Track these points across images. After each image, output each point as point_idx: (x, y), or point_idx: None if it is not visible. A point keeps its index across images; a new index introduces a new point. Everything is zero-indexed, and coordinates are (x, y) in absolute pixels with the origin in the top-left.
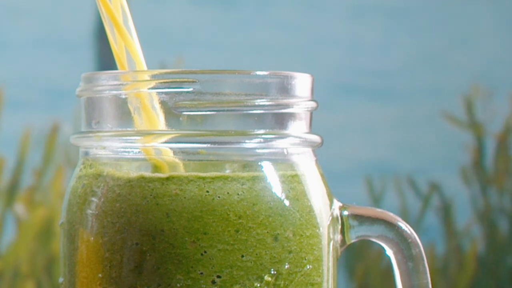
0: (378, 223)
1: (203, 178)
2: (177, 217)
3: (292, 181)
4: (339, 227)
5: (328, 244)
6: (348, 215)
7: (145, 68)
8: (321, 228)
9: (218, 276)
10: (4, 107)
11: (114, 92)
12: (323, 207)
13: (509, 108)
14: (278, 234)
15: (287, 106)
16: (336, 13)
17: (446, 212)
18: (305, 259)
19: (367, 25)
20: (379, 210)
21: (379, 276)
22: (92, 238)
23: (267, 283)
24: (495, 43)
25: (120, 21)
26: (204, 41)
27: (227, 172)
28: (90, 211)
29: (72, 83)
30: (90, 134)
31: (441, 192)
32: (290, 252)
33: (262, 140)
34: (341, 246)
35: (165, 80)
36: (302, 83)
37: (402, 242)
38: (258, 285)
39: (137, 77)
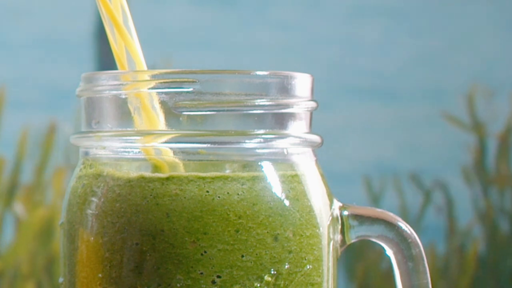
0: (378, 223)
1: (203, 178)
2: (177, 217)
3: (292, 181)
4: (339, 227)
5: (328, 244)
6: (348, 215)
7: (145, 68)
8: (321, 228)
9: (218, 276)
10: (5, 107)
11: (114, 92)
12: (323, 207)
13: (510, 108)
14: (278, 234)
15: (287, 106)
16: (336, 13)
17: (448, 211)
18: (305, 259)
19: (367, 25)
20: (379, 210)
21: (379, 276)
22: (92, 238)
23: (267, 283)
24: (495, 43)
25: (120, 21)
26: (204, 41)
27: (227, 172)
28: (90, 211)
29: (72, 83)
30: (90, 134)
31: (444, 190)
32: (290, 252)
33: (262, 140)
34: (341, 246)
35: (165, 80)
36: (302, 83)
37: (402, 242)
38: (258, 285)
39: (137, 77)
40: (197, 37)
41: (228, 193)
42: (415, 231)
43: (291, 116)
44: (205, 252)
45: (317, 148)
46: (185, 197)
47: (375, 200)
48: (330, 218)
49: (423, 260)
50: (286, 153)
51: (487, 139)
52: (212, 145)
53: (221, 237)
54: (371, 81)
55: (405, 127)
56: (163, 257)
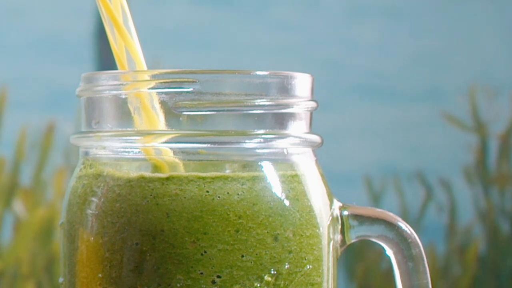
0: (378, 223)
1: (203, 178)
2: (177, 217)
3: (292, 181)
4: (339, 227)
5: (328, 244)
6: (348, 215)
7: (145, 68)
8: (321, 228)
9: (218, 276)
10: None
11: (114, 92)
12: (323, 207)
13: (511, 108)
14: (278, 234)
15: (287, 106)
16: (335, 13)
17: (450, 210)
18: (305, 259)
19: (367, 25)
20: (379, 210)
21: (379, 276)
22: (92, 238)
23: (267, 283)
24: (495, 43)
25: (120, 21)
26: (204, 41)
27: (227, 172)
28: (90, 211)
29: (72, 83)
30: (90, 134)
31: (447, 188)
32: (290, 252)
33: (262, 140)
34: (341, 246)
35: (165, 80)
36: (302, 83)
37: (402, 242)
38: (258, 285)
39: (137, 77)
40: (197, 37)
41: (228, 193)
42: (415, 231)
43: (291, 116)
44: (205, 252)
45: (317, 148)
46: (185, 197)
47: (376, 201)
48: (330, 218)
49: (423, 260)
50: (286, 153)
51: (488, 139)
52: (212, 145)
53: (221, 237)
54: (371, 81)
55: (405, 127)
56: (163, 257)
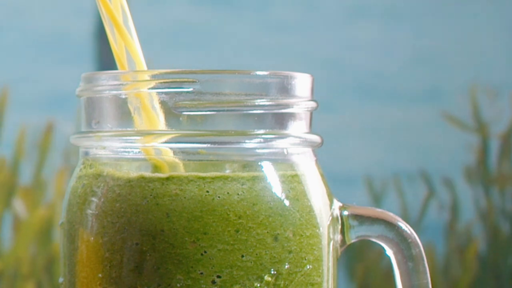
0: (378, 223)
1: (203, 178)
2: (177, 217)
3: (292, 181)
4: (339, 227)
5: (328, 244)
6: (348, 215)
7: (145, 68)
8: (321, 228)
9: (218, 276)
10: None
11: (114, 92)
12: (323, 207)
13: (511, 108)
14: (278, 234)
15: (287, 106)
16: (336, 13)
17: (452, 209)
18: (305, 259)
19: (367, 25)
20: (379, 210)
21: (379, 276)
22: (92, 238)
23: (267, 283)
24: (495, 43)
25: (120, 21)
26: (204, 41)
27: (227, 172)
28: (90, 211)
29: (72, 83)
30: (90, 134)
31: (450, 187)
32: (290, 252)
33: (262, 140)
34: (341, 246)
35: (165, 80)
36: (302, 83)
37: (402, 242)
38: (258, 285)
39: (137, 77)
40: (197, 37)
41: (228, 193)
42: (415, 231)
43: (291, 116)
44: (205, 252)
45: (317, 148)
46: (185, 197)
47: (377, 201)
48: (330, 218)
49: (423, 260)
50: (286, 153)
51: (489, 139)
52: (212, 145)
53: (221, 237)
54: (372, 81)
55: (405, 127)
56: (163, 257)
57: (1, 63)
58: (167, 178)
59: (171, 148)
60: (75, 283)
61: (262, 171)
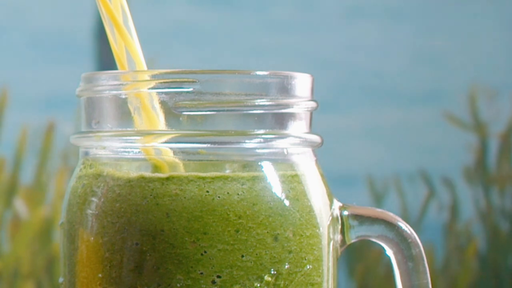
0: (378, 223)
1: (203, 178)
2: (177, 217)
3: (292, 181)
4: (339, 227)
5: (328, 244)
6: (348, 215)
7: (145, 68)
8: (321, 228)
9: (218, 276)
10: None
11: (114, 92)
12: (323, 207)
13: (511, 108)
14: (278, 234)
15: (287, 106)
16: (336, 13)
17: (452, 209)
18: (305, 259)
19: (367, 25)
20: (379, 210)
21: (379, 276)
22: (92, 238)
23: (267, 283)
24: (495, 43)
25: (120, 21)
26: (204, 41)
27: (227, 172)
28: (90, 211)
29: (72, 83)
30: (90, 134)
31: (450, 187)
32: (290, 252)
33: (262, 140)
34: (341, 246)
35: (165, 80)
36: (302, 83)
37: (402, 242)
38: (258, 285)
39: (137, 77)
40: (197, 37)
41: (228, 193)
42: (415, 231)
43: (291, 116)
44: (205, 252)
45: (317, 148)
46: (185, 197)
47: (378, 201)
48: (330, 218)
49: (423, 260)
50: (286, 153)
51: (488, 139)
52: (212, 145)
53: (221, 237)
54: (372, 81)
55: (406, 127)
56: (163, 257)
57: (1, 63)
58: (167, 178)
59: (171, 148)
60: (75, 283)
61: (262, 171)
